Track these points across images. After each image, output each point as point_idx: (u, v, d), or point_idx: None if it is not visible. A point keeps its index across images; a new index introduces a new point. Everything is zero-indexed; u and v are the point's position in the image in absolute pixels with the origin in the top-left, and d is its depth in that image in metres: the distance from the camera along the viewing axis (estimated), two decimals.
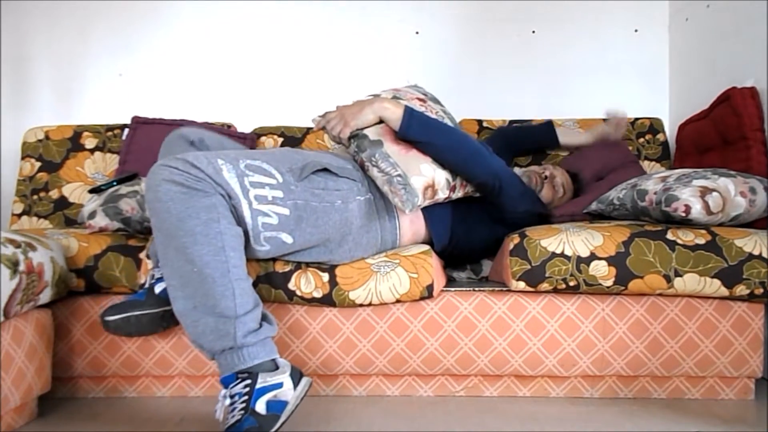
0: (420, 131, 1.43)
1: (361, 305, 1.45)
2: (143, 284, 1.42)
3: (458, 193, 1.50)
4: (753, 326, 1.46)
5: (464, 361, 1.48)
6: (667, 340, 1.46)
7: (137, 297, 1.35)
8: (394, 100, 1.46)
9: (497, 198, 1.53)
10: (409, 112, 1.43)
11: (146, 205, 1.23)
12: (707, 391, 1.51)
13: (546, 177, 1.81)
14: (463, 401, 1.50)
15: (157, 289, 1.35)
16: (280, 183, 1.29)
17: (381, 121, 1.46)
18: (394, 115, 1.43)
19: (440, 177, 1.43)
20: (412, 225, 1.51)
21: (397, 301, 1.45)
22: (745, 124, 1.69)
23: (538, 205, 1.65)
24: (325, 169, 1.38)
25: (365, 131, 1.45)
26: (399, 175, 1.38)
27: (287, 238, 1.29)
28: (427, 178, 1.41)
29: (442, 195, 1.46)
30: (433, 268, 1.43)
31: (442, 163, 1.46)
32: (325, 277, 1.41)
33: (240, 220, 1.24)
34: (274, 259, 1.43)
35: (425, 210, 1.52)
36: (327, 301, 1.42)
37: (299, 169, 1.34)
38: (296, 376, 1.24)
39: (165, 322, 1.36)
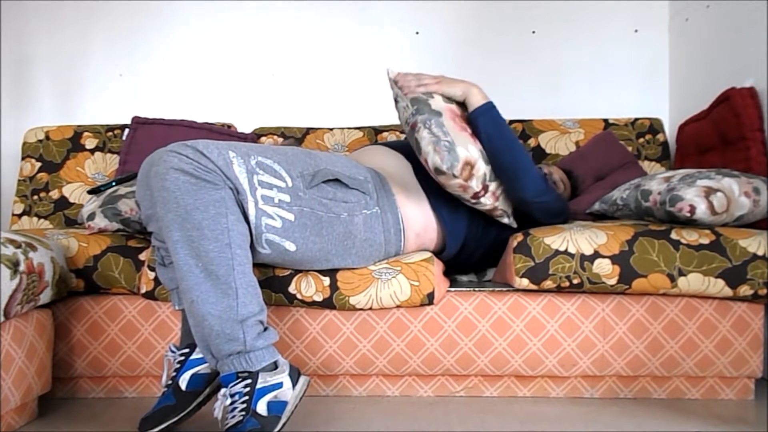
0: (489, 123, 1.46)
1: (361, 309, 1.45)
2: (167, 383, 1.33)
3: (487, 200, 1.48)
4: (753, 326, 1.46)
5: (464, 362, 1.48)
6: (667, 340, 1.46)
7: (166, 401, 1.28)
8: (483, 92, 1.51)
9: (533, 213, 1.53)
10: (491, 104, 1.48)
11: (153, 193, 1.19)
12: (707, 391, 1.51)
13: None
14: (463, 401, 1.50)
15: (183, 384, 1.29)
16: (289, 187, 1.27)
17: (461, 103, 1.51)
18: (477, 101, 1.48)
19: (481, 165, 1.42)
20: (418, 239, 1.49)
21: (398, 306, 1.45)
22: (745, 124, 1.69)
23: (564, 207, 1.63)
24: (336, 179, 1.36)
25: (429, 101, 1.46)
26: (447, 141, 1.40)
27: (290, 246, 1.27)
28: (471, 155, 1.40)
29: (474, 186, 1.43)
30: (434, 276, 1.42)
31: (493, 162, 1.46)
32: (326, 281, 1.41)
33: (245, 218, 1.22)
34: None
35: (440, 213, 1.51)
36: (327, 304, 1.42)
37: (310, 176, 1.32)
38: (294, 375, 1.23)
39: (203, 405, 1.33)
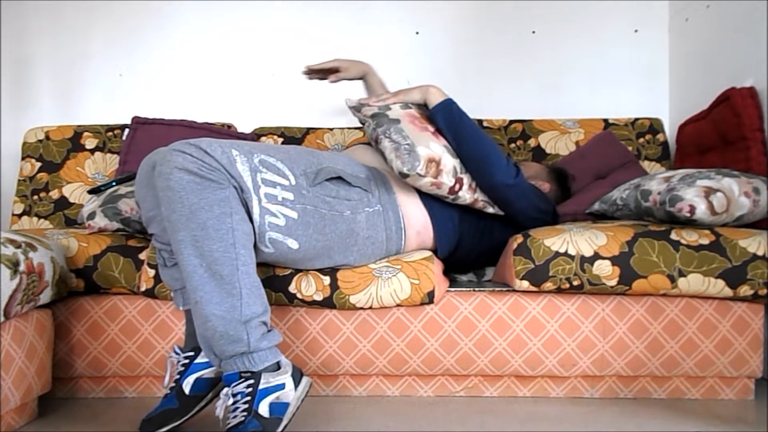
0: (449, 116, 1.51)
1: (362, 309, 1.45)
2: (170, 386, 1.32)
3: (465, 194, 1.48)
4: (753, 326, 1.46)
5: (464, 362, 1.49)
6: (667, 340, 1.46)
7: (169, 404, 1.28)
8: (441, 91, 1.56)
9: (511, 207, 1.54)
10: (450, 101, 1.53)
11: (157, 192, 1.19)
12: (707, 391, 1.51)
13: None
14: (463, 401, 1.50)
15: (186, 388, 1.28)
16: (292, 185, 1.27)
17: (424, 105, 1.57)
18: (436, 99, 1.54)
19: (448, 160, 1.44)
20: (418, 236, 1.50)
21: (398, 305, 1.45)
22: (745, 124, 1.70)
23: (547, 206, 1.64)
24: (339, 177, 1.36)
25: (386, 112, 1.51)
26: (408, 144, 1.42)
27: (293, 244, 1.27)
28: (433, 152, 1.42)
29: (447, 181, 1.44)
30: (434, 275, 1.42)
31: (459, 154, 1.49)
32: (326, 280, 1.41)
33: (249, 217, 1.22)
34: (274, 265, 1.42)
35: (432, 215, 1.51)
36: (327, 304, 1.42)
37: (313, 174, 1.32)
38: (297, 376, 1.23)
39: (204, 407, 1.33)
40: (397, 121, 1.48)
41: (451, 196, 1.48)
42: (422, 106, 1.58)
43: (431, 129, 1.50)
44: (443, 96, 1.54)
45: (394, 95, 1.57)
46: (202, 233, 1.15)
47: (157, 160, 1.20)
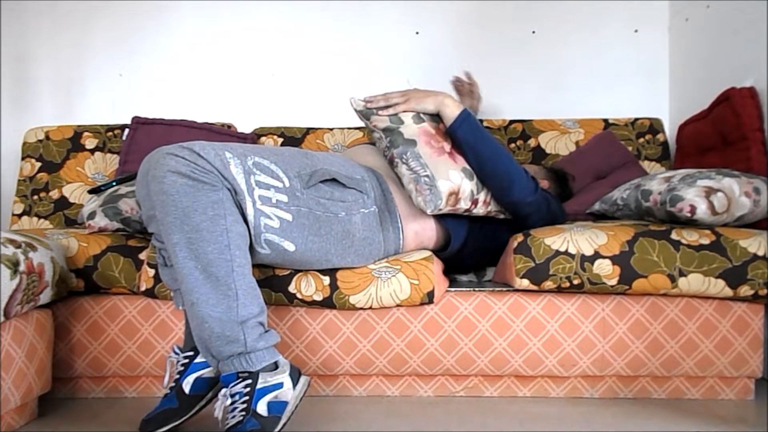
0: (469, 133, 1.46)
1: (361, 309, 1.45)
2: (171, 385, 1.32)
3: (479, 210, 1.49)
4: (753, 326, 1.46)
5: (464, 362, 1.48)
6: (667, 340, 1.46)
7: (169, 403, 1.28)
8: (455, 101, 1.49)
9: (524, 220, 1.54)
10: (466, 113, 1.47)
11: (151, 196, 1.19)
12: (707, 391, 1.51)
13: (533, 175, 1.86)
14: (463, 401, 1.50)
15: (186, 387, 1.28)
16: (286, 187, 1.27)
17: (436, 114, 1.50)
18: (452, 113, 1.46)
19: (466, 186, 1.43)
20: (416, 237, 1.50)
21: (398, 305, 1.45)
22: (745, 124, 1.70)
23: (563, 215, 1.65)
24: (333, 179, 1.36)
25: (400, 129, 1.45)
26: (427, 176, 1.40)
27: (289, 246, 1.27)
28: (453, 184, 1.41)
29: (464, 205, 1.45)
30: (434, 275, 1.42)
31: (479, 172, 1.46)
32: (326, 280, 1.41)
33: (243, 218, 1.22)
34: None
35: (443, 215, 1.51)
36: (327, 304, 1.42)
37: (307, 176, 1.32)
38: (295, 375, 1.23)
39: (203, 407, 1.33)
40: (413, 142, 1.43)
41: (465, 213, 1.49)
42: (435, 116, 1.51)
43: (447, 148, 1.46)
44: (458, 108, 1.47)
45: (405, 101, 1.47)
46: (196, 235, 1.15)
47: (151, 162, 1.20)
